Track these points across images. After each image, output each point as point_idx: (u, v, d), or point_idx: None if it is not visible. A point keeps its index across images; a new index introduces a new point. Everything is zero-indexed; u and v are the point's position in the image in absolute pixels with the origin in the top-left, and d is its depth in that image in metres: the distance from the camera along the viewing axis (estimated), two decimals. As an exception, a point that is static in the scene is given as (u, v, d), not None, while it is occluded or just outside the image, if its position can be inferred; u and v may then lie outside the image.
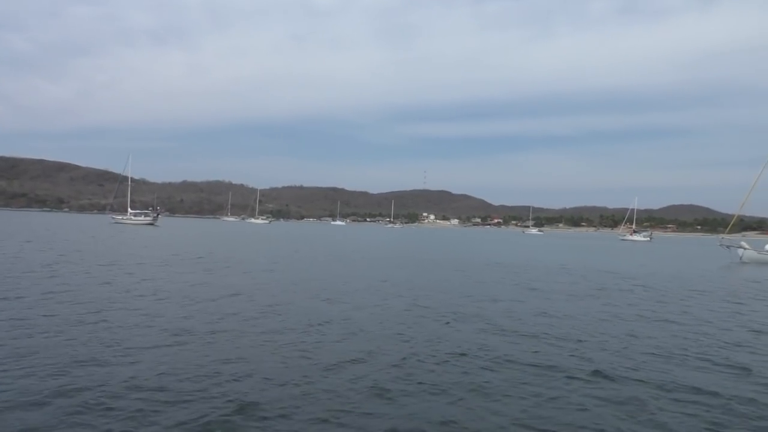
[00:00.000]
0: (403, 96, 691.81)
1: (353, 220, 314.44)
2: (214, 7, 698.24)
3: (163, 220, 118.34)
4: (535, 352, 10.76)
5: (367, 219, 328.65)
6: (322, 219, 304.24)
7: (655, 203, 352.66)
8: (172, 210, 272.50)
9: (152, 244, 42.55)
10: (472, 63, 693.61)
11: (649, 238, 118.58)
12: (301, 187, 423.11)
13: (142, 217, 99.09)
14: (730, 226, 62.02)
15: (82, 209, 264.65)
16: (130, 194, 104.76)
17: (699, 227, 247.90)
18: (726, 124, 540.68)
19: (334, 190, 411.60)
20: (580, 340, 11.95)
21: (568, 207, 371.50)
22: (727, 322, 15.13)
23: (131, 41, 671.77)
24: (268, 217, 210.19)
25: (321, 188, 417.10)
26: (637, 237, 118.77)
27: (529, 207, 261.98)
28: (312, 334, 11.69)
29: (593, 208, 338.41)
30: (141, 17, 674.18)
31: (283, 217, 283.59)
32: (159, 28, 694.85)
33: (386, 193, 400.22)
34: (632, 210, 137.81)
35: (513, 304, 17.26)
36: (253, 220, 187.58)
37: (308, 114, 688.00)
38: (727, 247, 50.51)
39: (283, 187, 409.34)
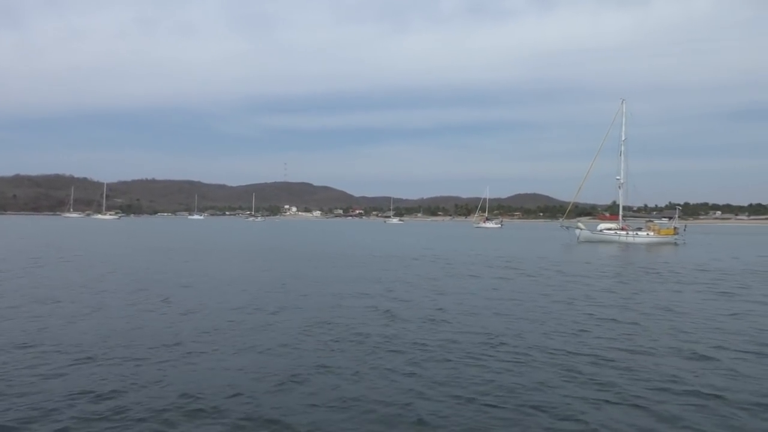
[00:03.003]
0: (261, 86, 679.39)
1: (212, 214, 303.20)
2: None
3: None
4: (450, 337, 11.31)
5: (227, 213, 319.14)
6: (177, 213, 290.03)
7: (503, 192, 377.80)
8: (4, 207, 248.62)
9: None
10: (330, 55, 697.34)
11: (500, 225, 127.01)
12: (153, 181, 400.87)
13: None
14: (567, 212, 70.09)
15: None
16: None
17: (541, 214, 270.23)
18: (563, 119, 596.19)
19: (190, 183, 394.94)
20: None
21: (425, 197, 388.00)
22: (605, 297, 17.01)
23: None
24: (117, 213, 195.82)
25: (175, 181, 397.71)
26: (489, 224, 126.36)
27: (389, 198, 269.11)
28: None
29: (448, 198, 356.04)
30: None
31: (134, 213, 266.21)
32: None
33: (246, 185, 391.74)
34: (484, 199, 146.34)
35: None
36: (100, 216, 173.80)
37: (159, 103, 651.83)
38: (567, 228, 57.59)
39: (133, 181, 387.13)
